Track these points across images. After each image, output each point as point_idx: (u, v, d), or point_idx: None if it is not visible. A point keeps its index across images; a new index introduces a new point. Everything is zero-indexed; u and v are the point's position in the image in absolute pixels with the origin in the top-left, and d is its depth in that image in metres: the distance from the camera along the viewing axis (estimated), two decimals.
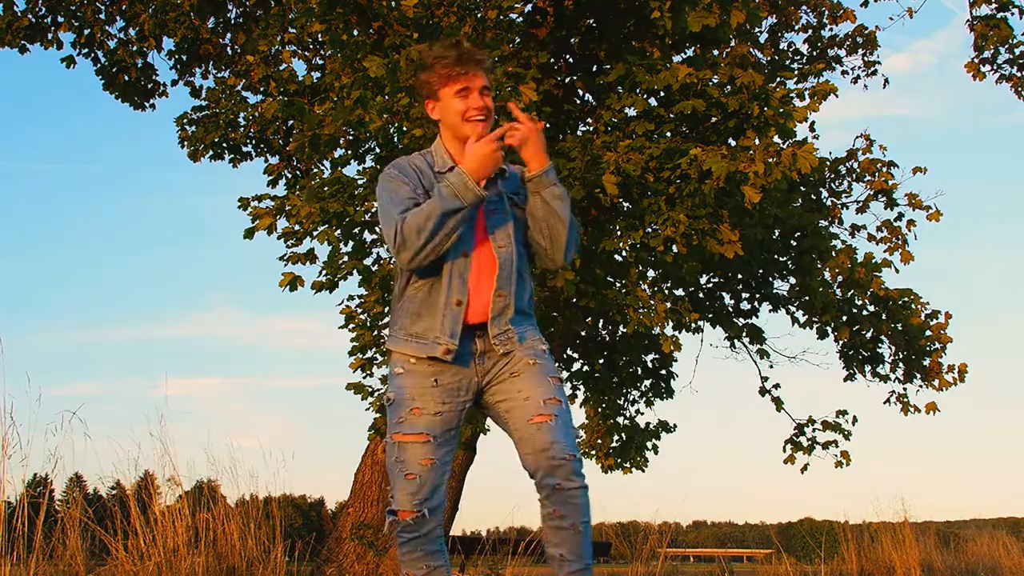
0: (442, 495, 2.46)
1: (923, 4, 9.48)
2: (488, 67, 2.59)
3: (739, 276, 8.80)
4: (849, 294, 8.82)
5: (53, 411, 4.52)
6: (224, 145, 8.57)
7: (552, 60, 6.79)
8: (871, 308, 8.96)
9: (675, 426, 9.72)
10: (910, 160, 19.04)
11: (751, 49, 8.18)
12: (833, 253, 8.44)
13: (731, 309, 9.16)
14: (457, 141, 2.58)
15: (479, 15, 6.26)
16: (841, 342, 9.19)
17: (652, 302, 6.79)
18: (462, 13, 6.18)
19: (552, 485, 2.35)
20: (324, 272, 6.86)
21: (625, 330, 8.41)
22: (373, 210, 6.49)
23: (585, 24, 6.83)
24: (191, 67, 8.88)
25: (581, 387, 9.73)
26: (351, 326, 7.08)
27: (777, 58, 9.49)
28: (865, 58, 10.01)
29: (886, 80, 10.08)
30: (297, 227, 6.88)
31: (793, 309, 9.05)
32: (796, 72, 8.85)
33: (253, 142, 8.60)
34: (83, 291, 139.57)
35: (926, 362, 8.94)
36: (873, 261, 8.70)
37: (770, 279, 8.84)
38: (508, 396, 2.45)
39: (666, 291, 8.29)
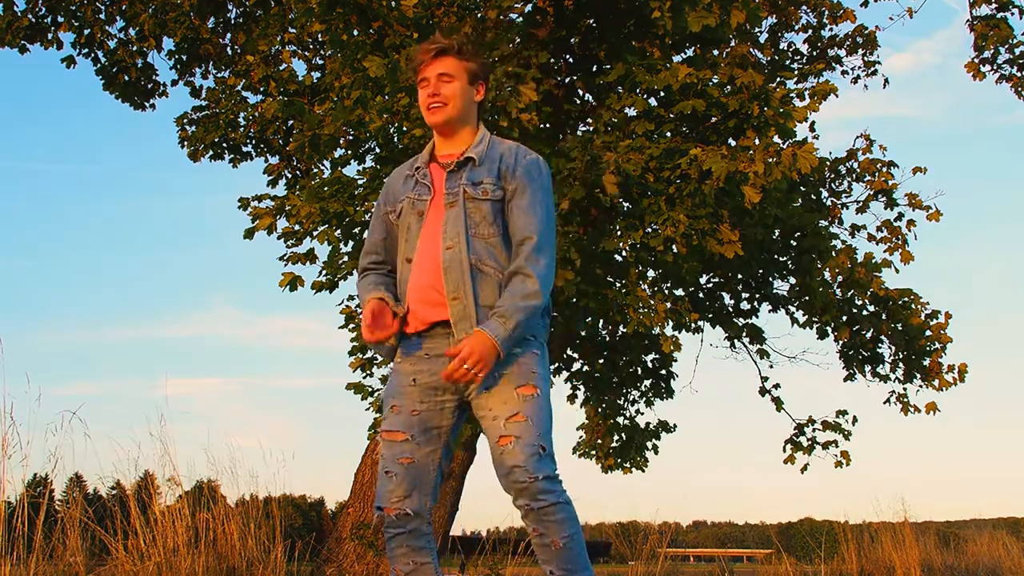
0: (426, 494, 2.46)
1: (923, 4, 9.49)
2: (455, 50, 2.55)
3: (739, 276, 8.79)
4: (849, 294, 8.81)
5: (53, 411, 4.53)
6: (224, 145, 8.56)
7: (552, 60, 6.79)
8: (871, 308, 8.95)
9: (675, 426, 9.71)
10: (910, 160, 19.05)
11: (751, 49, 8.18)
12: (833, 253, 8.44)
13: (731, 309, 9.15)
14: (436, 133, 2.63)
15: (479, 15, 6.26)
16: (841, 342, 9.18)
17: (652, 302, 6.78)
18: (462, 13, 6.19)
19: (524, 506, 2.34)
20: (324, 272, 6.86)
21: (625, 330, 8.41)
22: (373, 210, 6.49)
23: (585, 24, 6.82)
24: (191, 67, 8.88)
25: (581, 387, 9.72)
26: (351, 326, 7.08)
27: (777, 58, 9.48)
28: (865, 58, 10.00)
29: (886, 80, 10.07)
30: (297, 227, 6.88)
31: (793, 309, 9.04)
32: (796, 72, 8.84)
33: (253, 142, 8.60)
34: (83, 291, 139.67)
35: (926, 362, 8.94)
36: (873, 261, 8.69)
37: (770, 279, 8.83)
38: (481, 413, 2.43)
39: (666, 291, 8.29)
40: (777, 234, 8.09)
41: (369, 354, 7.04)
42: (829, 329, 9.01)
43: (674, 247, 6.25)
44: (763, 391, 9.72)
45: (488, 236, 2.48)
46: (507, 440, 2.35)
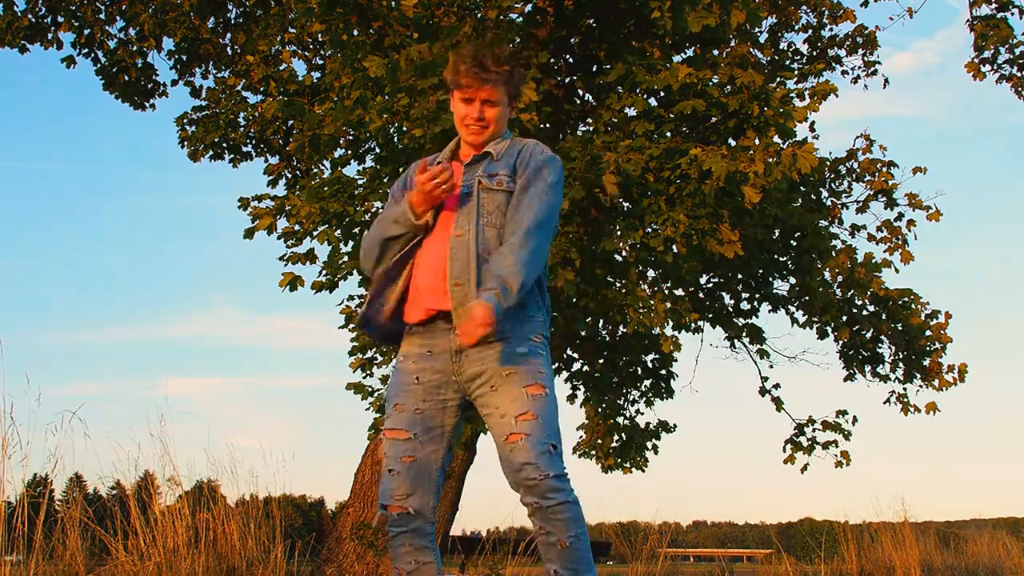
0: (429, 493, 2.46)
1: (923, 4, 9.47)
2: (503, 79, 2.53)
3: (739, 276, 8.79)
4: (849, 294, 8.81)
5: (53, 411, 4.53)
6: (224, 145, 8.57)
7: (552, 60, 6.79)
8: (871, 308, 8.95)
9: (675, 426, 9.71)
10: (910, 160, 19.05)
11: (751, 49, 8.18)
12: (833, 253, 8.44)
13: (731, 309, 9.15)
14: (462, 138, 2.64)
15: (479, 15, 6.26)
16: (841, 342, 9.18)
17: (652, 302, 6.78)
18: (462, 13, 6.19)
19: (532, 504, 2.35)
20: (324, 272, 6.86)
21: (625, 330, 8.41)
22: (373, 210, 6.49)
23: (585, 24, 6.82)
24: (191, 67, 8.88)
25: (581, 387, 9.72)
26: (351, 326, 7.08)
27: (777, 58, 9.48)
28: (865, 58, 10.00)
29: (886, 80, 10.07)
30: (297, 227, 6.89)
31: (793, 309, 9.05)
32: (796, 72, 8.84)
33: (253, 142, 8.61)
34: (83, 291, 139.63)
35: (926, 362, 8.94)
36: (873, 261, 8.69)
37: (770, 279, 8.83)
38: (488, 411, 2.43)
39: (666, 291, 8.29)
40: (777, 234, 8.09)
41: (369, 354, 7.04)
42: (829, 329, 9.01)
43: (674, 247, 6.25)
44: (763, 391, 9.72)
45: (499, 227, 2.49)
46: (517, 437, 2.35)
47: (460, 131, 2.60)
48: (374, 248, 2.57)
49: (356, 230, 6.50)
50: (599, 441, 9.79)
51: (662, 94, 6.53)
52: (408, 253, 2.56)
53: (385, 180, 6.30)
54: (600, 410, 9.67)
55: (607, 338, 9.28)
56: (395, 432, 2.46)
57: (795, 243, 8.33)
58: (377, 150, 6.77)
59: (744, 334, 9.20)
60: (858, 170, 9.27)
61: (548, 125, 6.91)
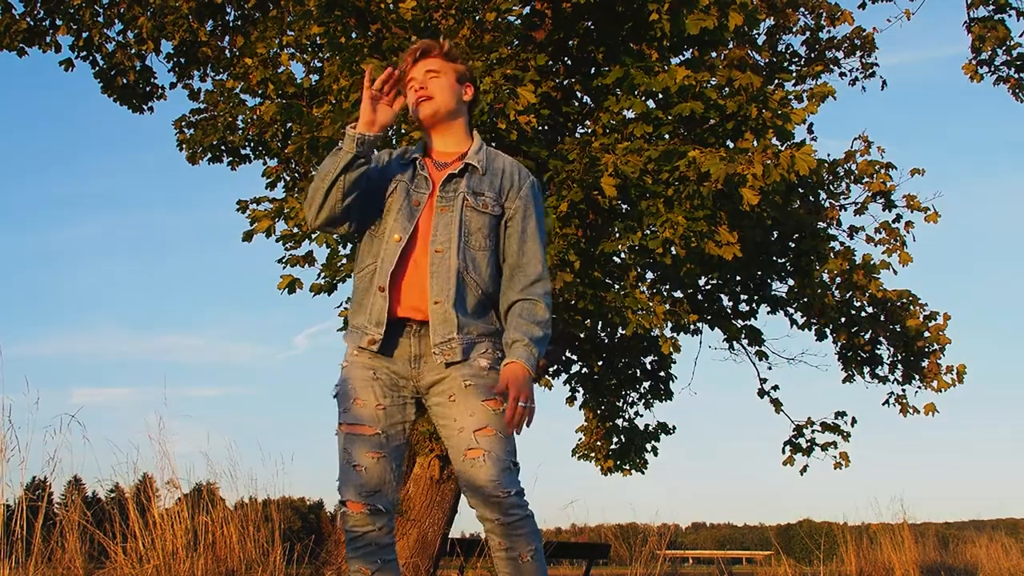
0: (394, 490, 2.42)
1: (921, 5, 9.45)
2: (437, 49, 2.57)
3: (738, 278, 8.80)
4: (848, 295, 8.82)
5: (51, 414, 4.53)
6: (222, 148, 8.57)
7: (550, 62, 6.79)
8: (869, 309, 8.96)
9: (674, 428, 9.72)
10: (908, 162, 19.06)
11: (749, 51, 8.18)
12: (831, 255, 8.45)
13: (730, 311, 9.16)
14: (428, 130, 2.61)
15: (477, 17, 6.26)
16: (840, 343, 9.19)
17: (651, 304, 6.79)
18: (460, 15, 6.19)
19: (495, 520, 2.33)
20: (323, 274, 6.86)
21: (624, 332, 8.42)
22: None
23: (583, 26, 6.83)
24: (189, 70, 8.88)
25: (580, 389, 9.73)
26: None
27: (775, 60, 9.49)
28: (863, 60, 10.01)
29: (884, 82, 10.09)
30: (296, 230, 6.88)
31: (792, 311, 9.05)
32: (794, 74, 8.86)
33: (251, 145, 8.60)
34: (83, 293, 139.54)
35: (925, 363, 8.94)
36: (871, 263, 8.70)
37: (769, 281, 8.84)
38: (444, 423, 2.40)
39: (665, 293, 8.30)
40: (776, 236, 8.10)
41: None
42: (828, 331, 9.02)
43: (673, 249, 6.25)
44: (762, 392, 9.72)
45: (478, 248, 2.48)
46: (476, 453, 2.33)
47: (418, 116, 2.56)
48: (318, 191, 2.46)
49: None
50: (598, 443, 9.79)
51: (660, 96, 6.53)
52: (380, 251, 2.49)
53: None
54: (599, 412, 9.68)
55: (606, 340, 9.29)
56: (360, 427, 2.39)
57: (793, 245, 8.34)
58: None
59: (743, 335, 9.21)
60: (856, 172, 9.28)
61: (546, 127, 6.91)
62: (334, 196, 2.44)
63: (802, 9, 9.44)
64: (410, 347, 2.44)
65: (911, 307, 8.84)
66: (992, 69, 9.05)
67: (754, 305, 9.09)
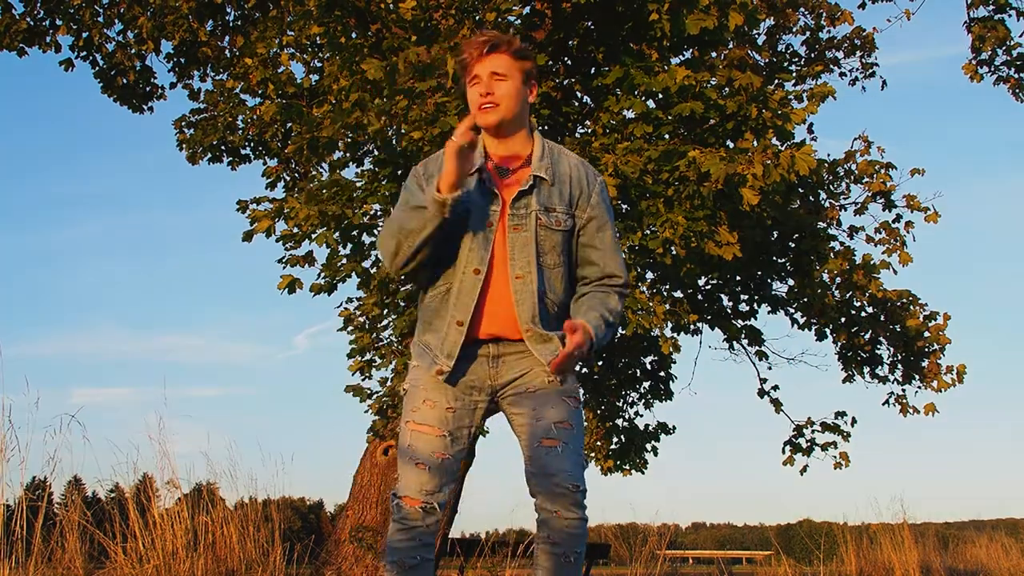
0: (448, 492, 2.43)
1: (921, 5, 9.45)
2: (507, 45, 2.43)
3: (738, 278, 8.80)
4: (848, 295, 8.82)
5: (51, 414, 4.53)
6: (222, 148, 8.57)
7: (550, 62, 6.80)
8: (869, 309, 8.96)
9: (674, 428, 9.72)
10: (908, 162, 19.05)
11: (749, 51, 8.18)
12: (831, 255, 8.45)
13: (730, 311, 9.16)
14: (487, 133, 2.50)
15: (477, 17, 6.26)
16: (840, 343, 9.18)
17: (651, 304, 6.79)
18: (460, 15, 6.19)
19: (553, 512, 2.33)
20: (323, 275, 6.86)
21: (624, 332, 8.42)
22: (371, 212, 6.49)
23: (583, 26, 6.83)
24: (189, 70, 8.88)
25: (580, 389, 9.71)
26: (349, 328, 7.08)
27: (775, 60, 9.48)
28: (863, 60, 10.01)
29: (884, 82, 10.09)
30: (295, 230, 6.88)
31: (792, 310, 9.05)
32: (794, 74, 8.85)
33: (251, 145, 8.61)
34: (83, 293, 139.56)
35: (925, 363, 8.94)
36: (871, 263, 8.70)
37: (769, 281, 8.84)
38: (523, 412, 2.40)
39: (665, 293, 8.29)
40: (776, 236, 8.10)
41: (368, 356, 7.03)
42: (828, 331, 9.02)
43: (673, 249, 6.25)
44: (762, 392, 9.72)
45: (553, 267, 2.45)
46: (554, 443, 2.35)
47: (478, 121, 2.42)
48: (402, 247, 2.38)
49: (354, 232, 6.50)
50: (598, 443, 9.79)
51: (660, 96, 6.53)
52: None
53: (383, 183, 6.30)
54: (599, 412, 9.68)
55: None
56: (427, 427, 2.39)
57: (793, 245, 8.34)
58: (375, 152, 6.77)
59: (743, 335, 9.21)
60: (856, 172, 9.28)
61: (546, 127, 6.92)
62: (423, 253, 2.39)
63: (802, 9, 9.44)
64: (489, 350, 2.43)
65: (911, 307, 8.83)
66: (992, 69, 9.05)
67: (754, 305, 9.09)
